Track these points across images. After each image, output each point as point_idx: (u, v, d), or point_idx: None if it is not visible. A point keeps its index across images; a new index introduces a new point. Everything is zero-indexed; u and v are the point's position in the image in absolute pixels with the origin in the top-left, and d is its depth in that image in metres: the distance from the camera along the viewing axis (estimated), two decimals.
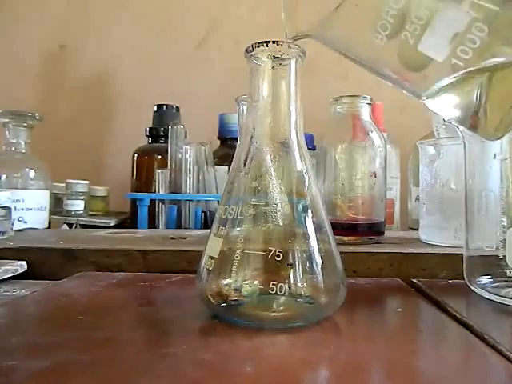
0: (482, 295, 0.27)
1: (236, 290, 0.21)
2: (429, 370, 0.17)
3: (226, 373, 0.16)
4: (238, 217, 0.21)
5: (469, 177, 0.29)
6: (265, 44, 0.22)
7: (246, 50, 0.22)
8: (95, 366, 0.16)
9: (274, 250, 0.20)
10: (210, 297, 0.21)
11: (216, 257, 0.21)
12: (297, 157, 0.23)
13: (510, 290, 0.25)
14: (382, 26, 0.20)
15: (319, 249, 0.21)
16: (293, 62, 0.22)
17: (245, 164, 0.23)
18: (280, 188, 0.22)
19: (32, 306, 0.26)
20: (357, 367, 0.17)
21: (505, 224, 0.26)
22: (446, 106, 0.21)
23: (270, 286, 0.20)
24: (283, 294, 0.20)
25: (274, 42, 0.22)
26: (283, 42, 0.22)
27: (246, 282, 0.20)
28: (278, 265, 0.20)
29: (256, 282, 0.20)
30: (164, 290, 0.29)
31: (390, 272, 0.34)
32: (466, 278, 0.28)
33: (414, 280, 0.31)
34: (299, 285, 0.20)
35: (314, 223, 0.22)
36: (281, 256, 0.20)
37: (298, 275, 0.21)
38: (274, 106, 0.23)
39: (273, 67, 0.22)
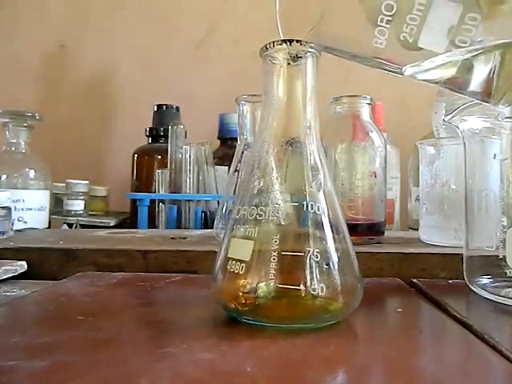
0: (482, 295, 0.27)
1: (270, 292, 0.20)
2: (429, 370, 0.17)
3: (226, 373, 0.16)
4: (269, 217, 0.21)
5: (469, 177, 0.29)
6: (281, 43, 0.22)
7: (261, 49, 0.22)
8: (95, 366, 0.16)
9: (311, 250, 0.20)
10: (236, 301, 0.21)
11: (247, 260, 0.21)
12: (314, 156, 0.22)
13: (510, 289, 0.25)
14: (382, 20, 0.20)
15: (339, 249, 0.21)
16: (309, 60, 0.22)
17: (259, 164, 0.22)
18: (299, 187, 0.22)
19: (32, 306, 0.26)
20: (357, 367, 0.17)
21: (505, 224, 0.26)
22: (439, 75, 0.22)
23: (313, 287, 0.20)
24: (317, 295, 0.20)
25: (289, 41, 0.22)
26: (299, 40, 0.22)
27: (283, 285, 0.20)
28: (316, 266, 0.20)
29: (293, 284, 0.20)
30: (164, 290, 0.29)
31: (390, 272, 0.34)
32: (466, 278, 0.28)
33: (414, 280, 0.31)
34: (333, 285, 0.20)
35: (331, 223, 0.22)
36: (318, 256, 0.20)
37: (334, 275, 0.21)
38: (289, 105, 0.22)
39: (288, 64, 0.22)
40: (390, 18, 0.20)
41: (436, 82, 0.22)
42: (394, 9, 0.20)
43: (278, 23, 0.23)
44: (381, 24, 0.20)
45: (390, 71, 0.22)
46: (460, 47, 0.19)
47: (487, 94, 0.22)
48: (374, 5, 0.20)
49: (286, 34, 0.23)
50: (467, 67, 0.21)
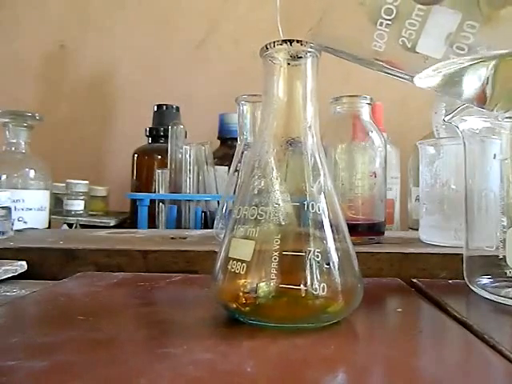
0: (482, 295, 0.27)
1: (271, 291, 0.20)
2: (429, 370, 0.17)
3: (226, 373, 0.16)
4: (269, 217, 0.21)
5: (469, 177, 0.29)
6: (281, 43, 0.22)
7: (262, 49, 0.22)
8: (95, 366, 0.16)
9: (312, 250, 0.20)
10: (237, 301, 0.21)
11: (248, 260, 0.21)
12: (314, 156, 0.22)
13: (510, 290, 0.25)
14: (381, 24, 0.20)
15: (339, 248, 0.21)
16: (309, 60, 0.22)
17: (259, 164, 0.22)
18: (299, 187, 0.22)
19: (32, 306, 0.26)
20: (357, 367, 0.17)
21: (505, 224, 0.26)
22: (444, 84, 0.22)
23: (313, 287, 0.20)
24: (317, 295, 0.20)
25: (290, 41, 0.22)
26: (299, 40, 0.22)
27: (284, 285, 0.20)
28: (317, 266, 0.20)
29: (294, 284, 0.20)
30: (164, 290, 0.29)
31: (390, 272, 0.34)
32: (466, 278, 0.28)
33: (414, 280, 0.31)
34: (333, 285, 0.21)
35: (331, 223, 0.22)
36: (319, 256, 0.20)
37: (334, 275, 0.21)
38: (289, 105, 0.22)
39: (288, 65, 0.22)
40: (389, 22, 0.20)
41: (436, 89, 0.22)
42: (394, 13, 0.20)
43: (278, 22, 0.23)
44: (380, 27, 0.20)
45: (392, 75, 0.22)
46: (458, 54, 0.19)
47: (482, 101, 0.22)
48: (374, 8, 0.20)
49: (286, 33, 0.23)
50: (455, 77, 0.21)
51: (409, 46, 0.20)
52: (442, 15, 0.19)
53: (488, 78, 0.20)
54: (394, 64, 0.22)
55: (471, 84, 0.21)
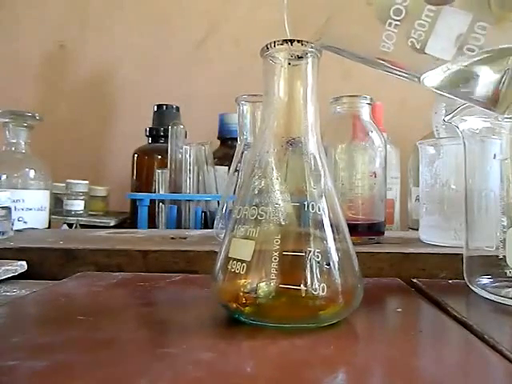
0: (482, 295, 0.27)
1: (271, 291, 0.20)
2: (429, 370, 0.17)
3: (226, 373, 0.16)
4: (270, 218, 0.21)
5: (469, 177, 0.29)
6: (282, 43, 0.22)
7: (262, 49, 0.22)
8: (95, 366, 0.16)
9: (312, 250, 0.20)
10: (237, 301, 0.21)
11: (248, 260, 0.21)
12: (314, 156, 0.22)
13: (510, 290, 0.25)
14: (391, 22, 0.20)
15: (339, 249, 0.21)
16: (309, 60, 0.22)
17: (260, 164, 0.22)
18: (299, 187, 0.22)
19: (32, 306, 0.26)
20: (357, 367, 0.17)
21: (505, 224, 0.26)
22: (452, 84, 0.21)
23: (313, 287, 0.20)
24: (317, 295, 0.20)
25: (290, 41, 0.22)
26: (300, 40, 0.22)
27: (284, 285, 0.20)
28: (317, 266, 0.20)
29: (294, 284, 0.20)
30: (164, 290, 0.29)
31: (390, 272, 0.34)
32: (466, 278, 0.28)
33: (414, 280, 0.31)
34: (333, 285, 0.21)
35: (331, 223, 0.22)
36: (319, 257, 0.20)
37: (335, 275, 0.21)
38: (289, 105, 0.23)
39: (289, 65, 0.22)
40: (398, 23, 0.20)
41: (443, 90, 0.22)
42: (403, 14, 0.19)
43: (285, 21, 0.23)
44: (389, 28, 0.20)
45: (397, 75, 0.22)
46: (468, 56, 0.19)
47: (493, 103, 0.21)
48: (382, 8, 0.20)
49: (293, 32, 0.23)
50: (464, 76, 0.21)
51: (418, 47, 0.20)
52: (453, 16, 0.19)
53: (504, 78, 0.20)
54: (397, 64, 0.21)
55: (484, 85, 0.21)
